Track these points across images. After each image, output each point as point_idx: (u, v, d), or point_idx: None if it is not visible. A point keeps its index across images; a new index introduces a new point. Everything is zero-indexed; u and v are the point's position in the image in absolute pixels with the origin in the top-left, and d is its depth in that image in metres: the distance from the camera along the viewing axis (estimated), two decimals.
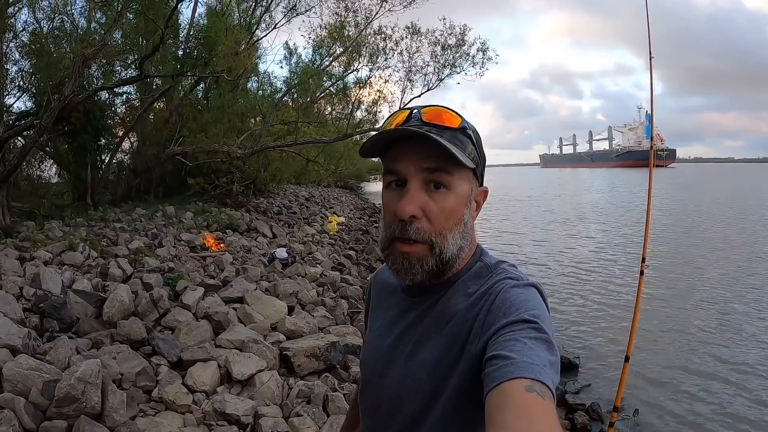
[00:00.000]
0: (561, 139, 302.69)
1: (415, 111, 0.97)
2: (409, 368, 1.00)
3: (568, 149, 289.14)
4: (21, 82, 11.29)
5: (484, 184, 1.05)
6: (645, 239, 3.39)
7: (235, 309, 5.73)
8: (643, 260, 3.28)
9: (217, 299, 5.91)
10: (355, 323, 6.67)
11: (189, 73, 11.89)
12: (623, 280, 11.42)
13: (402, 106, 15.52)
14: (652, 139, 3.72)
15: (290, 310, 6.35)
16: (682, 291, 10.58)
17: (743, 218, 23.18)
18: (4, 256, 6.18)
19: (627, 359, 3.07)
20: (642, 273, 3.24)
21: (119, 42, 11.50)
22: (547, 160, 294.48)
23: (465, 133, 0.96)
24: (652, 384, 6.25)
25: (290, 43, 18.15)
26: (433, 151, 0.90)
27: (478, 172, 0.99)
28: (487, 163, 1.05)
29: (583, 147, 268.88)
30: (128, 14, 10.51)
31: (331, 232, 14.17)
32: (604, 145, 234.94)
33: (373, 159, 0.85)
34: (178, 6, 10.22)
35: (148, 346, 4.52)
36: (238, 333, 5.01)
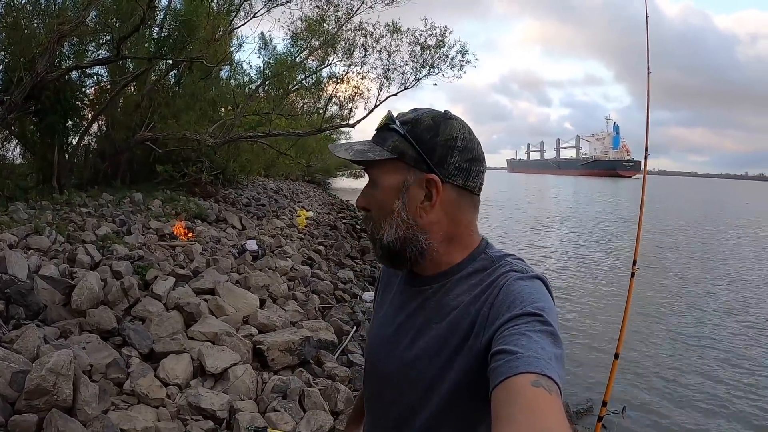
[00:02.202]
0: (529, 145, 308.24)
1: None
2: (409, 357, 1.02)
3: (535, 155, 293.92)
4: None
5: None
6: (636, 243, 3.50)
7: (206, 300, 5.62)
8: (634, 263, 3.38)
9: (188, 290, 5.78)
10: (326, 318, 6.64)
11: (167, 57, 11.60)
12: (612, 282, 12.24)
13: (377, 103, 15.53)
14: (646, 150, 3.81)
15: (261, 304, 6.27)
16: (667, 292, 11.45)
17: (715, 227, 24.68)
18: None
19: (617, 356, 3.16)
20: (633, 275, 3.33)
21: (96, 20, 11.13)
22: (515, 165, 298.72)
23: (388, 128, 1.02)
24: (640, 380, 6.66)
25: (267, 34, 17.79)
26: None
27: (406, 160, 0.99)
28: None
29: (550, 154, 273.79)
30: None
31: (300, 227, 14.05)
32: (571, 153, 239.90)
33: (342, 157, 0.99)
34: None
35: (118, 336, 4.39)
36: (211, 325, 4.92)
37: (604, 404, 3.09)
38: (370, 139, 1.05)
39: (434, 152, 0.99)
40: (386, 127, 1.02)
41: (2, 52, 10.70)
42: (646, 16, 3.68)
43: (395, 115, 1.04)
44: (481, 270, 1.00)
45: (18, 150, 13.50)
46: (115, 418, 3.18)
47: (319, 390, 4.26)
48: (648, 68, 3.62)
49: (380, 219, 1.02)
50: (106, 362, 3.81)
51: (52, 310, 4.48)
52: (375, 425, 1.13)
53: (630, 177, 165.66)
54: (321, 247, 12.23)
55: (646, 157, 3.74)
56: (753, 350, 7.98)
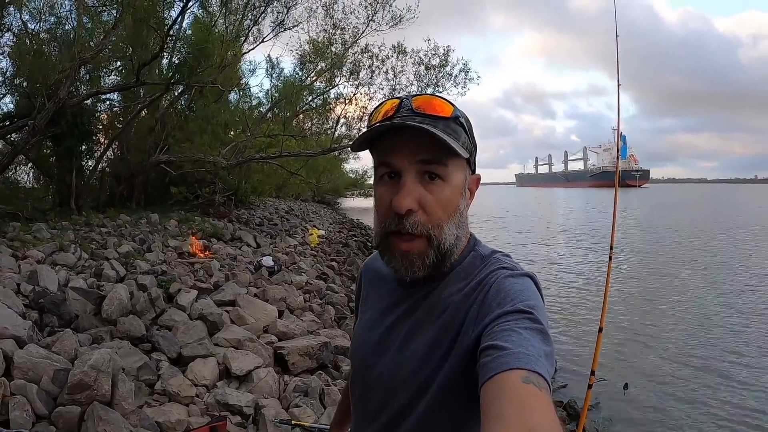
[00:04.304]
0: (537, 158, 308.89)
1: (405, 100, 0.94)
2: (400, 360, 0.99)
3: (543, 169, 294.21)
4: (15, 82, 11.28)
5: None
6: (612, 230, 3.84)
7: (227, 311, 5.83)
8: (611, 248, 3.71)
9: (210, 302, 5.99)
10: (342, 327, 6.81)
11: (183, 82, 11.95)
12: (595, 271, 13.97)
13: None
14: (618, 150, 4.20)
15: (280, 314, 6.46)
16: (647, 277, 12.99)
17: (708, 228, 26.31)
18: None
19: (600, 330, 3.44)
20: (610, 258, 3.68)
21: (118, 47, 11.54)
22: (523, 180, 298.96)
23: (458, 122, 0.94)
24: (622, 350, 7.68)
25: (274, 58, 18.26)
26: (428, 142, 0.89)
27: (471, 160, 0.98)
28: None
29: (558, 167, 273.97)
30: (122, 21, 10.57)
31: (313, 245, 14.27)
32: (579, 165, 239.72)
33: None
34: (179, 17, 10.42)
35: (147, 342, 4.60)
36: (234, 332, 5.13)
37: (593, 372, 3.33)
38: (430, 123, 0.90)
39: (476, 152, 1.00)
40: (454, 119, 0.94)
41: (20, 78, 11.10)
42: (616, 36, 4.03)
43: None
44: (471, 268, 0.98)
45: (31, 174, 13.90)
46: (150, 413, 3.39)
47: (339, 389, 4.44)
48: (618, 81, 3.96)
49: (442, 219, 0.92)
50: (138, 365, 4.02)
51: (83, 319, 4.71)
52: (362, 427, 1.09)
53: (639, 186, 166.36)
54: (334, 263, 12.46)
55: (617, 160, 4.10)
56: (727, 316, 9.41)
